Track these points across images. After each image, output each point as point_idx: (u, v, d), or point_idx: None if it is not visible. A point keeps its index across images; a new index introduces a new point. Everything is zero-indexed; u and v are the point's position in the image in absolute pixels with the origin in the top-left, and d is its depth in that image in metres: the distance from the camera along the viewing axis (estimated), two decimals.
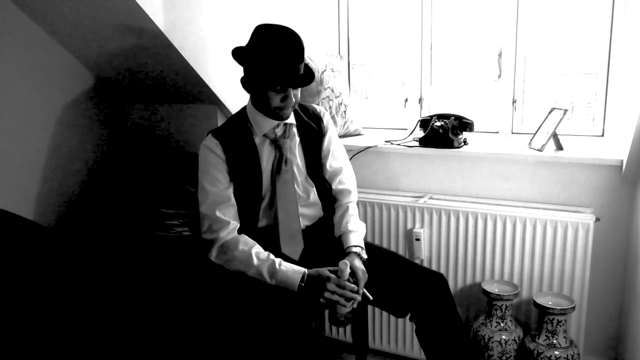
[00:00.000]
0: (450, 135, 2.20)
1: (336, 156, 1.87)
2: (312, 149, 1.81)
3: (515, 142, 2.29)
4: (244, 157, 1.71)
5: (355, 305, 1.62)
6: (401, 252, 2.22)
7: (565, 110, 2.05)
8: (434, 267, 2.17)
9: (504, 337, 1.99)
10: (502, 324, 2.00)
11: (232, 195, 1.71)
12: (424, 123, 2.30)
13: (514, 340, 1.99)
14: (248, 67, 1.64)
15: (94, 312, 1.64)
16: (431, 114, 2.38)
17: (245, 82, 1.68)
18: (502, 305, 1.99)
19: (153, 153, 2.51)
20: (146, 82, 2.29)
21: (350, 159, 1.95)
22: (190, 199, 2.07)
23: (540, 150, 2.07)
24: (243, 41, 1.67)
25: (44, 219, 2.12)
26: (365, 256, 1.72)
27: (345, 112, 2.42)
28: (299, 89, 1.68)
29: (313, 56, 2.33)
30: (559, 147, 2.10)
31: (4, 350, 1.44)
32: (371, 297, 1.66)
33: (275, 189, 1.74)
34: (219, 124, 2.08)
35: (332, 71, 2.37)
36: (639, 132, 1.72)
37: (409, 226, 2.20)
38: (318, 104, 2.29)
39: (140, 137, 2.53)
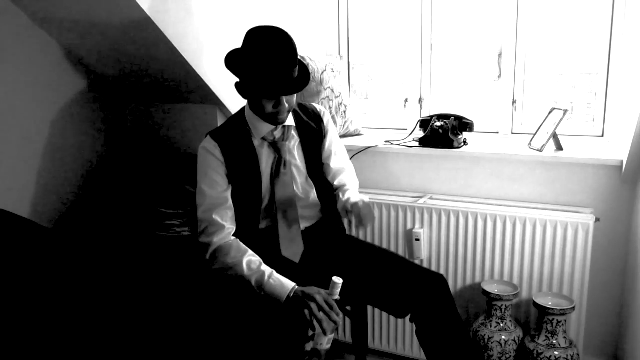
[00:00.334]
0: (450, 135, 2.20)
1: (338, 156, 1.86)
2: (312, 149, 1.80)
3: (515, 143, 2.29)
4: (243, 160, 1.71)
5: (333, 334, 1.53)
6: (401, 252, 2.22)
7: (565, 111, 2.05)
8: (433, 268, 2.17)
9: (503, 337, 1.98)
10: (501, 324, 2.00)
11: (229, 198, 1.70)
12: (424, 123, 2.30)
13: (514, 340, 1.99)
14: (239, 75, 1.63)
15: (94, 312, 1.64)
16: (431, 114, 2.38)
17: (239, 89, 1.66)
18: (501, 305, 1.99)
19: (152, 153, 2.51)
20: (145, 82, 2.29)
21: (350, 159, 1.94)
22: (189, 199, 2.06)
23: (540, 150, 2.07)
24: (242, 41, 1.66)
25: (43, 218, 2.12)
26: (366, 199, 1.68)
27: (345, 112, 2.42)
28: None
29: (313, 56, 2.33)
30: (559, 148, 2.10)
31: (4, 350, 1.44)
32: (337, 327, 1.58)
33: (274, 191, 1.73)
34: (219, 124, 2.08)
35: (332, 71, 2.37)
36: (639, 133, 1.72)
37: (409, 226, 2.20)
38: (318, 104, 2.28)
39: (139, 137, 2.53)
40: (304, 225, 1.79)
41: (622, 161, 1.94)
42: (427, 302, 1.66)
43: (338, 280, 1.50)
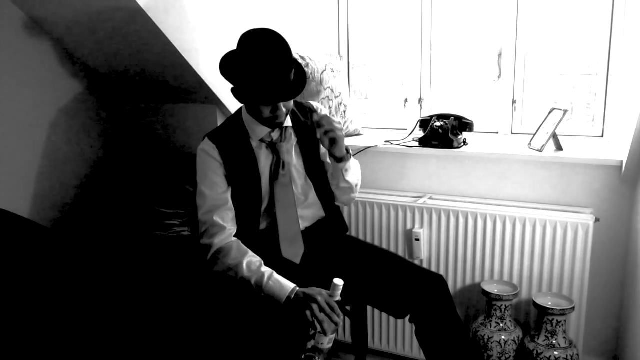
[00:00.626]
0: (450, 135, 2.20)
1: None
2: (310, 148, 1.80)
3: (515, 143, 2.29)
4: (241, 161, 1.70)
5: (334, 335, 1.54)
6: (401, 252, 2.22)
7: (565, 111, 2.05)
8: (433, 268, 2.17)
9: (503, 337, 1.99)
10: (501, 324, 2.00)
11: (229, 199, 1.70)
12: (424, 123, 2.30)
13: (514, 340, 1.99)
14: (234, 82, 1.62)
15: (94, 312, 1.64)
16: (431, 114, 2.38)
17: (236, 94, 1.64)
18: (501, 305, 1.99)
19: (152, 153, 2.51)
20: (145, 82, 2.29)
21: None
22: (189, 199, 2.06)
23: (540, 150, 2.07)
24: None
25: (43, 218, 2.12)
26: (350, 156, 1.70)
27: (345, 112, 2.42)
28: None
29: (313, 56, 2.33)
30: (559, 148, 2.10)
31: (3, 350, 1.44)
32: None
33: (273, 193, 1.73)
34: (219, 124, 2.08)
35: (332, 71, 2.37)
36: (639, 133, 1.72)
37: (409, 226, 2.20)
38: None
39: (139, 137, 2.53)
40: (303, 225, 1.79)
41: (621, 161, 1.94)
42: (426, 303, 1.66)
43: (339, 281, 1.51)
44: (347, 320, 2.30)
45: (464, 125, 2.23)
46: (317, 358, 1.52)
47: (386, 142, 2.36)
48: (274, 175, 1.72)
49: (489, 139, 2.37)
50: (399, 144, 2.33)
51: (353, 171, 1.79)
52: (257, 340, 1.59)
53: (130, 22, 1.86)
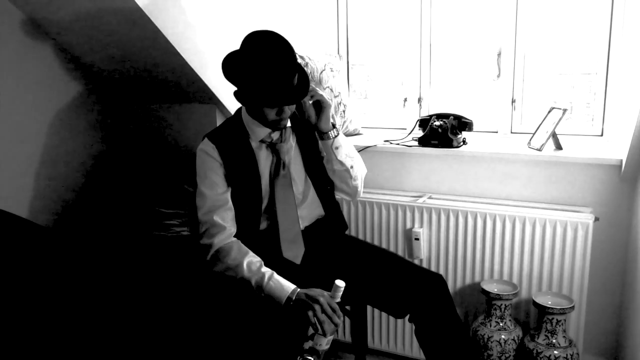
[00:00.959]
0: (450, 134, 2.20)
1: None
2: (309, 147, 1.80)
3: (514, 142, 2.29)
4: (241, 162, 1.70)
5: (332, 336, 1.53)
6: (400, 251, 2.22)
7: (565, 110, 2.05)
8: (433, 267, 2.17)
9: (503, 336, 1.98)
10: (501, 324, 2.00)
11: (229, 199, 1.69)
12: (423, 122, 2.30)
13: (513, 339, 1.99)
14: (239, 84, 1.61)
15: (93, 312, 1.64)
16: (430, 113, 2.38)
17: (239, 96, 1.64)
18: (501, 304, 1.99)
19: (152, 153, 2.51)
20: (145, 82, 2.29)
21: None
22: (189, 199, 2.06)
23: (539, 149, 2.07)
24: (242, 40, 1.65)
25: (42, 218, 2.11)
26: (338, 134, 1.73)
27: (344, 111, 2.42)
28: None
29: (312, 56, 2.33)
30: (558, 147, 2.10)
31: (3, 350, 1.43)
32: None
33: (274, 193, 1.73)
34: (218, 124, 2.07)
35: (331, 71, 2.37)
36: (638, 132, 1.72)
37: (408, 226, 2.20)
38: None
39: (138, 137, 2.53)
40: (303, 224, 1.78)
41: (621, 160, 1.94)
42: (426, 303, 1.66)
43: (340, 283, 1.51)
44: (347, 319, 2.30)
45: (463, 124, 2.23)
46: (313, 359, 1.52)
47: (385, 141, 2.36)
48: (274, 175, 1.72)
49: (488, 138, 2.37)
50: (398, 144, 2.33)
51: (345, 151, 1.77)
52: (255, 340, 1.59)
53: (130, 23, 1.86)
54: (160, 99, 2.40)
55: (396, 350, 2.30)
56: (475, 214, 2.08)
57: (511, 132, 2.35)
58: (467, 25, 2.46)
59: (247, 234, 1.71)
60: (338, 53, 2.66)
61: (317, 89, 1.69)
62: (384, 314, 2.28)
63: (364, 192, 2.29)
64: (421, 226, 2.18)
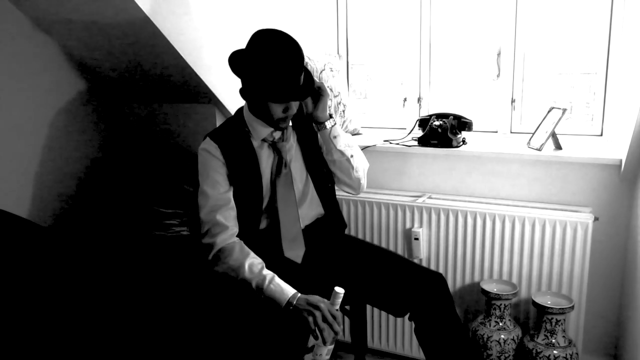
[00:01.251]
0: (449, 134, 2.20)
1: None
2: (310, 145, 1.80)
3: (514, 142, 2.29)
4: (243, 161, 1.70)
5: (332, 345, 1.53)
6: (400, 251, 2.22)
7: (564, 110, 2.05)
8: (432, 267, 2.17)
9: (502, 336, 1.99)
10: (500, 324, 2.00)
11: (232, 198, 1.69)
12: (423, 122, 2.30)
13: (513, 339, 1.99)
14: (247, 79, 1.61)
15: (93, 312, 1.64)
16: (430, 113, 2.38)
17: (245, 93, 1.65)
18: (500, 304, 1.99)
19: (151, 152, 2.51)
20: (144, 82, 2.29)
21: None
22: (188, 199, 2.06)
23: (539, 149, 2.07)
24: (242, 40, 1.65)
25: (41, 218, 2.11)
26: (334, 123, 1.74)
27: (344, 111, 2.42)
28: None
29: (312, 55, 2.33)
30: (558, 147, 2.10)
31: (3, 350, 1.44)
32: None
33: (275, 192, 1.73)
34: (217, 124, 2.07)
35: (331, 70, 2.37)
36: (638, 132, 1.72)
37: (408, 225, 2.20)
38: None
39: (138, 137, 2.53)
40: (303, 223, 1.78)
41: (620, 160, 1.94)
42: (426, 301, 1.66)
43: (340, 290, 1.50)
44: (347, 319, 2.30)
45: (463, 124, 2.23)
46: None
47: (385, 141, 2.36)
48: (276, 174, 1.72)
49: (488, 138, 2.38)
50: (398, 143, 2.33)
51: (344, 141, 1.77)
52: (255, 343, 1.59)
53: (130, 23, 1.85)
54: (160, 98, 2.40)
55: (396, 350, 2.30)
56: (474, 213, 2.08)
57: (511, 132, 2.35)
58: (467, 25, 2.46)
59: (248, 234, 1.71)
60: (338, 53, 2.66)
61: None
62: (383, 314, 2.28)
63: (364, 192, 2.30)
64: (421, 226, 2.18)
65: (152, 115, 2.48)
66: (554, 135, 2.09)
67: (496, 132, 2.38)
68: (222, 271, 1.63)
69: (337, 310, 1.52)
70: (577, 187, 2.07)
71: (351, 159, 1.78)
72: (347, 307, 1.94)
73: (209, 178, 1.68)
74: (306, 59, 2.26)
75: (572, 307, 1.91)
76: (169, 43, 1.92)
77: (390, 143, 2.34)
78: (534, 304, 1.93)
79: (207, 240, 1.67)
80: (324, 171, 1.83)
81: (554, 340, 1.91)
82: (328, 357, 1.53)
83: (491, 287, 2.03)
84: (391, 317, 2.26)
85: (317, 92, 1.71)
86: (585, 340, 2.08)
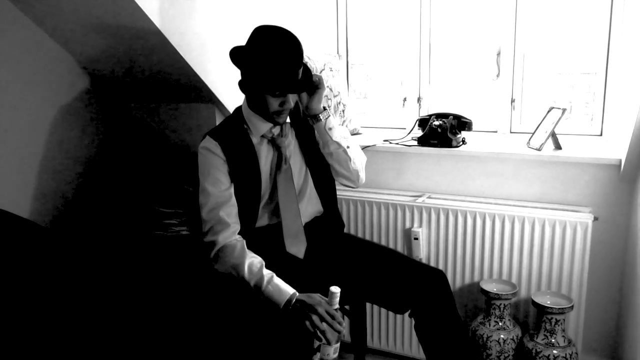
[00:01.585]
0: (449, 134, 2.20)
1: None
2: (309, 142, 1.81)
3: (513, 142, 2.29)
4: (243, 158, 1.70)
5: (339, 343, 1.52)
6: (400, 251, 2.21)
7: (564, 110, 2.05)
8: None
9: (502, 336, 1.99)
10: (500, 323, 2.00)
11: (233, 196, 1.69)
12: (423, 122, 2.30)
13: (512, 339, 1.99)
14: (246, 71, 1.63)
15: (92, 311, 1.64)
16: (430, 113, 2.38)
17: (243, 86, 1.67)
18: (500, 304, 1.99)
19: (151, 152, 2.51)
20: (144, 81, 2.29)
21: None
22: (188, 198, 2.06)
23: (538, 149, 2.07)
24: (242, 40, 1.66)
25: (41, 218, 2.11)
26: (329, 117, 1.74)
27: (343, 111, 2.42)
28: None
29: (312, 55, 2.33)
30: (558, 147, 2.10)
31: (3, 350, 1.44)
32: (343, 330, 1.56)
33: (275, 189, 1.73)
34: (217, 123, 2.07)
35: (331, 70, 2.37)
36: (638, 132, 1.72)
37: (408, 225, 2.20)
38: None
39: (138, 136, 2.53)
40: (303, 220, 1.79)
41: (620, 160, 1.94)
42: (426, 298, 1.66)
43: (336, 289, 1.50)
44: (347, 319, 2.30)
45: (462, 124, 2.23)
46: None
47: (385, 141, 2.36)
48: (276, 170, 1.72)
49: (487, 138, 2.38)
50: (397, 143, 2.33)
51: (340, 134, 1.78)
52: (254, 344, 1.59)
53: (132, 24, 1.85)
54: (160, 98, 2.40)
55: (395, 350, 2.30)
56: (474, 213, 2.08)
57: (510, 132, 2.36)
58: (467, 25, 2.46)
59: (245, 230, 1.71)
60: (337, 52, 2.66)
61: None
62: (383, 314, 2.28)
63: (363, 191, 2.30)
64: (420, 226, 2.18)
65: (152, 115, 2.48)
66: (553, 135, 2.09)
67: (496, 132, 2.38)
68: (222, 270, 1.64)
69: (336, 309, 1.52)
70: (577, 187, 2.07)
71: (348, 150, 1.78)
72: (347, 307, 1.94)
73: (210, 176, 1.68)
74: (306, 59, 2.27)
75: (572, 307, 1.91)
76: (169, 42, 1.92)
77: (390, 143, 2.34)
78: (534, 303, 1.93)
79: (209, 239, 1.67)
80: (322, 167, 1.83)
81: (553, 340, 1.91)
82: (336, 355, 1.53)
83: (491, 287, 2.03)
84: (391, 317, 2.26)
85: (314, 87, 1.71)
86: (585, 340, 2.08)
